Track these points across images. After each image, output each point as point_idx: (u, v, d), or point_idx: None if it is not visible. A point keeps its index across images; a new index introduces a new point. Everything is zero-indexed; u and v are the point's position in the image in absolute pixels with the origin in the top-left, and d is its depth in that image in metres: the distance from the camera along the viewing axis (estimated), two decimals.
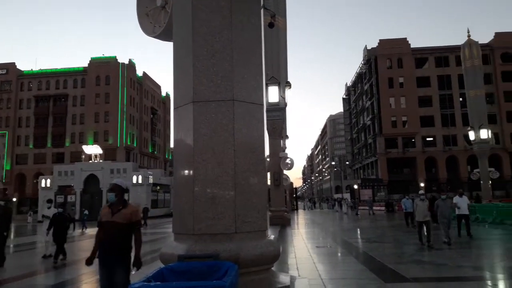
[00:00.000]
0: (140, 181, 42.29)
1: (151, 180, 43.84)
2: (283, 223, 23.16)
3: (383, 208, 39.65)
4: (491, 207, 21.38)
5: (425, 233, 12.02)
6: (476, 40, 36.98)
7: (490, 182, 34.20)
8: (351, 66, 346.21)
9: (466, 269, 8.35)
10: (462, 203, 14.33)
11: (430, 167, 65.36)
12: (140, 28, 7.21)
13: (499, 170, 47.40)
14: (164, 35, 6.80)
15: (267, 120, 25.14)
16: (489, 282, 7.13)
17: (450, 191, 34.30)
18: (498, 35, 66.91)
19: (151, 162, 78.58)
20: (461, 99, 61.47)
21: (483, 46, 52.62)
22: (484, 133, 33.17)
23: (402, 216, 29.82)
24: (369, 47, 70.08)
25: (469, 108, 36.38)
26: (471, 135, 34.02)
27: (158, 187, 46.52)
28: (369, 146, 73.57)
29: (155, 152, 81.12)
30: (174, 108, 5.27)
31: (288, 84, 25.72)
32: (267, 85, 24.90)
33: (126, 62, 70.22)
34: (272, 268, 5.03)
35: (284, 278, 5.00)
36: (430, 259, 9.85)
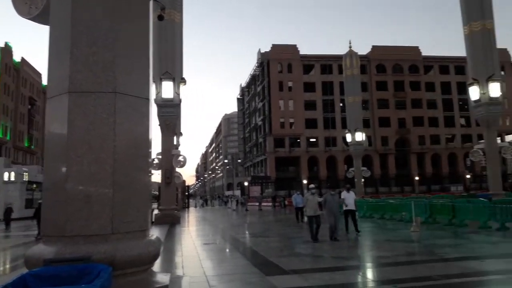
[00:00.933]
0: (12, 179, 37.85)
1: (26, 178, 39.51)
2: (173, 222, 22.77)
3: (269, 204, 41.45)
4: (362, 202, 23.72)
5: (315, 228, 11.98)
6: (356, 51, 40.74)
7: (363, 180, 37.99)
8: (247, 67, 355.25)
9: (340, 259, 9.16)
10: (349, 198, 14.34)
11: (313, 165, 70.43)
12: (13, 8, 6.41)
13: (370, 170, 52.83)
14: (40, 18, 6.14)
15: (160, 116, 24.24)
16: (359, 271, 7.88)
17: (329, 188, 36.96)
18: (374, 48, 74.75)
19: (27, 158, 70.89)
20: (341, 104, 67.32)
21: (362, 57, 58.15)
22: (359, 136, 36.69)
23: (289, 211, 31.53)
24: (263, 51, 72.72)
25: (348, 113, 39.93)
26: (348, 137, 37.38)
27: (34, 185, 42.11)
28: (259, 145, 76.41)
29: (32, 147, 73.37)
30: (48, 98, 4.80)
31: (183, 80, 25.35)
32: (161, 80, 24.24)
33: (2, 45, 62.16)
34: (153, 268, 4.90)
35: (163, 278, 4.89)
36: (309, 251, 10.57)
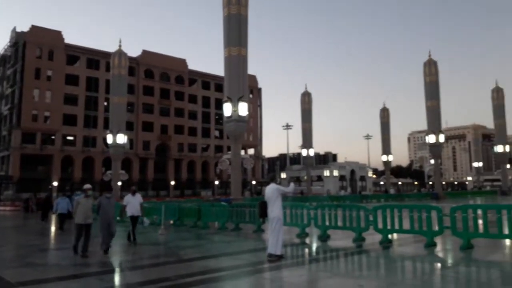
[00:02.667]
0: None
1: None
2: None
3: (8, 208, 36.13)
4: (117, 206, 23.18)
5: (84, 239, 9.72)
6: (126, 52, 39.96)
7: (120, 183, 37.34)
8: None
9: (81, 267, 8.50)
10: (135, 202, 12.48)
11: (67, 166, 64.79)
12: None
13: (129, 173, 52.53)
14: None
15: None
16: (99, 277, 7.54)
17: (77, 190, 34.53)
18: (144, 52, 75.22)
19: None
20: (105, 103, 64.67)
21: (131, 59, 57.55)
22: (121, 138, 35.90)
23: (32, 216, 27.93)
24: (19, 29, 62.63)
25: (111, 113, 38.63)
26: (109, 139, 36.05)
27: None
28: (3, 138, 65.17)
29: None
30: None
31: None
32: None
33: None
34: None
35: None
36: (46, 261, 9.58)
